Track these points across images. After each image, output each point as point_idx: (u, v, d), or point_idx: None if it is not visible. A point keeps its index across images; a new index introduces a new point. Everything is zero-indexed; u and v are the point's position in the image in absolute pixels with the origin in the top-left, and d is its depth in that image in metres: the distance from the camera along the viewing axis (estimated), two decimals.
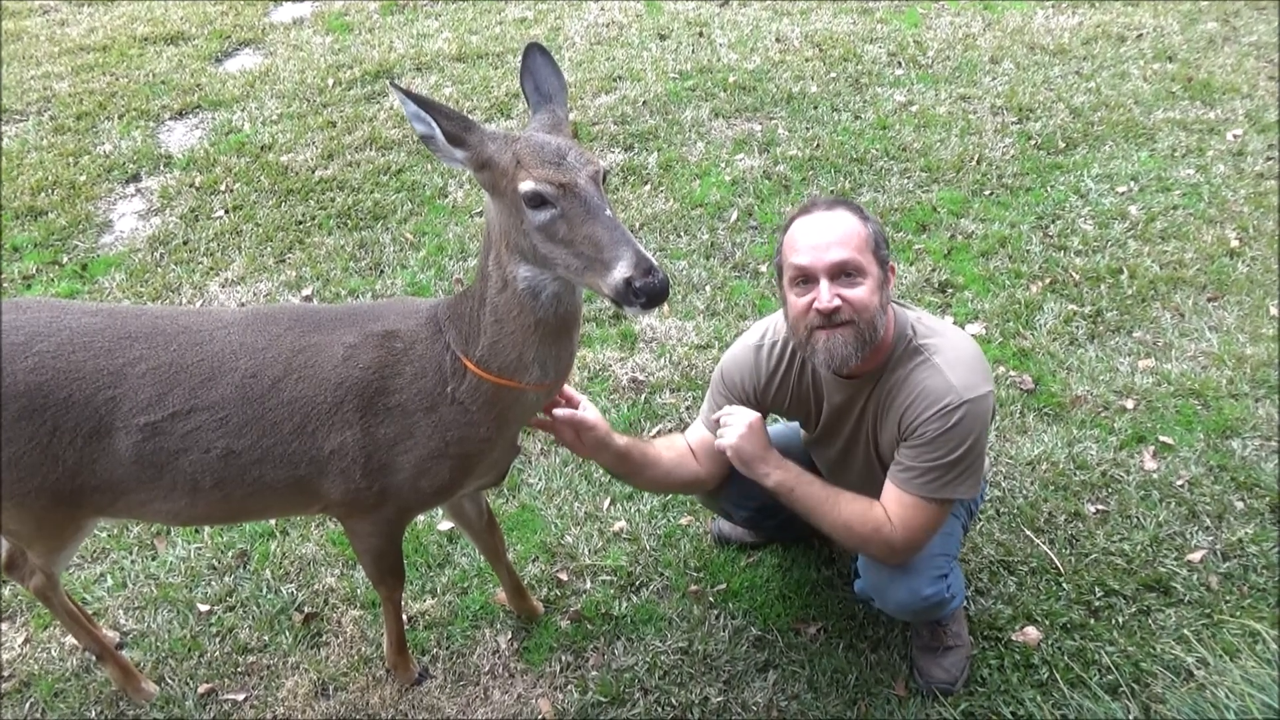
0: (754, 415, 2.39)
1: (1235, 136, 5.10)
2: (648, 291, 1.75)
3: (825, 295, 2.18)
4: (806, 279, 2.21)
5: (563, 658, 2.79)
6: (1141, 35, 6.22)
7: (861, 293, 2.18)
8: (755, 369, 2.49)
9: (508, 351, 2.03)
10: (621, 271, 1.76)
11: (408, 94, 1.84)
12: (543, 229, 1.84)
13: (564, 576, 3.02)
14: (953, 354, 2.26)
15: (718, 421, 2.43)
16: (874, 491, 2.35)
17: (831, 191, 4.77)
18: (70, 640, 2.82)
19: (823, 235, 2.19)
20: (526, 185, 1.82)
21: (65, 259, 4.59)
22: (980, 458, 2.27)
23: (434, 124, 1.86)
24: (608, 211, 1.81)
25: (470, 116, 1.97)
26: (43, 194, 5.02)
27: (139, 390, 2.02)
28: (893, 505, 2.28)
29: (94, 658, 2.74)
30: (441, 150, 1.90)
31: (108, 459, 2.04)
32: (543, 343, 2.01)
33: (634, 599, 2.95)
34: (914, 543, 2.30)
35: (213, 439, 2.05)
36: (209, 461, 2.06)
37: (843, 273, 2.18)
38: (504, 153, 1.87)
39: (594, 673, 2.75)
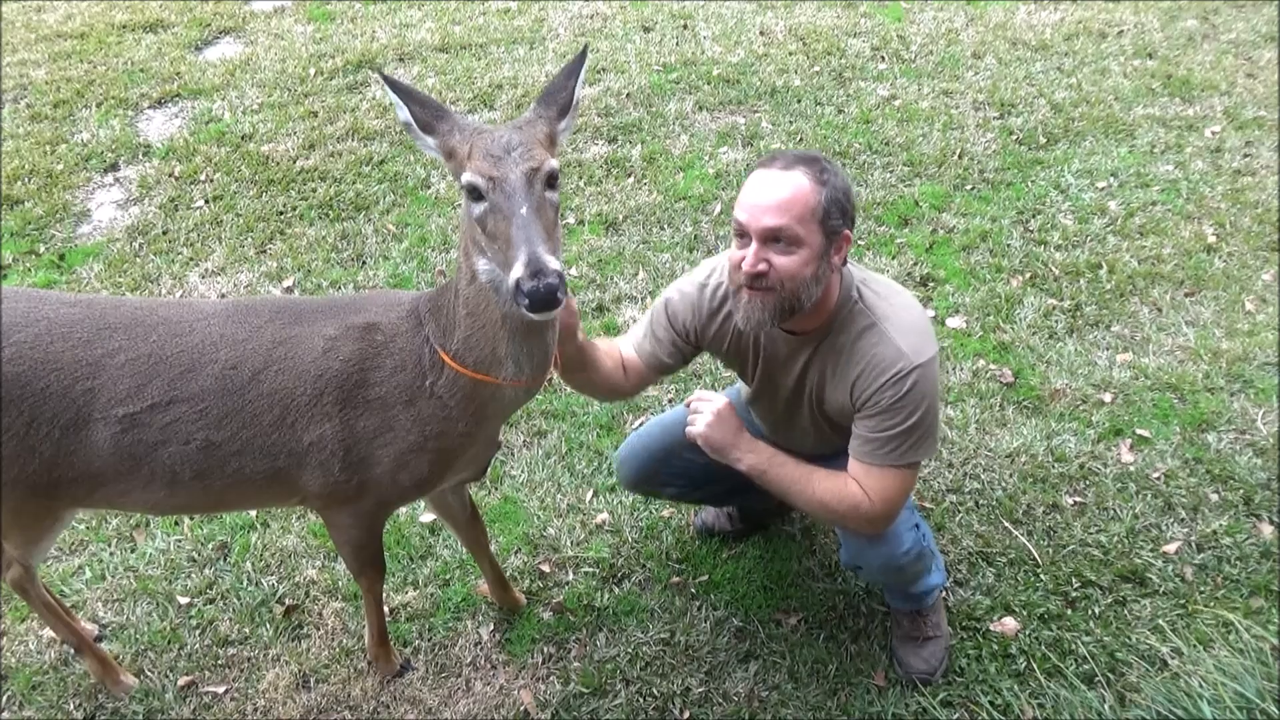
0: (723, 400, 2.39)
1: (1213, 133, 5.15)
2: (530, 295, 1.70)
3: (750, 259, 2.14)
4: (744, 234, 2.18)
5: (545, 649, 2.80)
6: (1122, 32, 6.27)
7: (790, 263, 2.13)
8: (698, 306, 2.46)
9: (481, 345, 2.02)
10: (515, 272, 1.73)
11: (386, 80, 1.88)
12: (478, 221, 1.84)
13: (546, 568, 3.02)
14: (900, 319, 2.25)
15: (690, 405, 2.43)
16: (820, 449, 2.37)
17: None
18: (48, 633, 2.80)
19: (766, 196, 2.13)
20: (465, 176, 1.84)
21: (42, 248, 4.54)
22: (936, 417, 2.28)
23: (406, 109, 1.89)
24: (524, 210, 1.77)
25: (447, 106, 1.98)
26: (19, 183, 4.96)
27: (118, 381, 2.01)
28: (863, 479, 2.29)
29: (72, 650, 2.72)
30: (418, 137, 1.92)
31: (86, 450, 2.02)
32: (513, 338, 1.99)
33: (616, 590, 2.95)
34: (891, 512, 2.32)
35: (192, 431, 2.04)
36: (188, 453, 2.05)
37: (775, 239, 2.13)
38: (464, 144, 1.87)
39: (576, 664, 2.76)
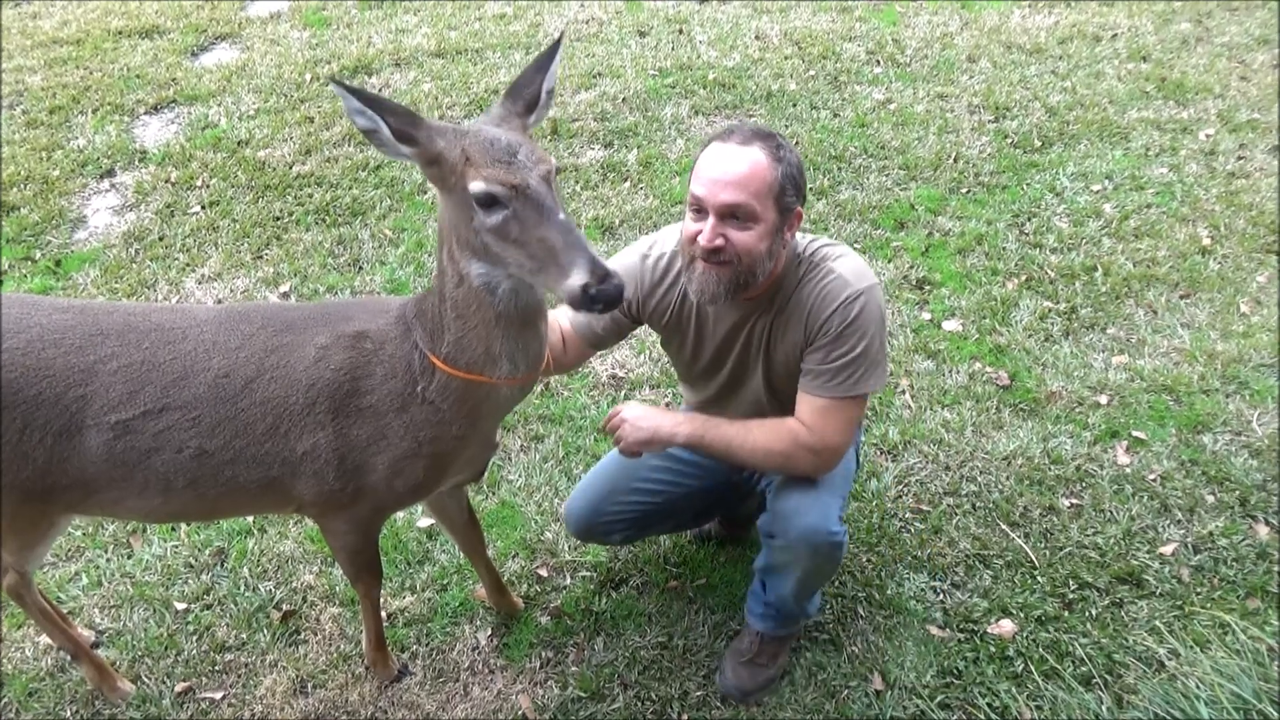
0: (630, 403, 2.44)
1: (1207, 136, 5.16)
2: (604, 298, 1.74)
3: (707, 234, 2.17)
4: (700, 209, 2.19)
5: (543, 653, 2.79)
6: (1116, 35, 6.28)
7: (747, 238, 2.16)
8: (640, 278, 2.47)
9: (474, 346, 2.01)
10: (579, 279, 1.75)
11: (350, 90, 1.79)
12: (495, 230, 1.82)
13: (544, 572, 3.02)
14: (840, 261, 2.30)
15: (606, 427, 2.46)
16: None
17: (810, 189, 4.79)
18: (45, 639, 2.79)
19: (724, 171, 2.15)
20: (477, 185, 1.79)
21: (38, 255, 4.54)
22: (884, 347, 2.31)
23: (379, 121, 1.82)
24: (561, 215, 1.78)
25: (415, 110, 1.92)
26: (15, 189, 4.96)
27: (110, 388, 2.00)
28: (808, 414, 2.29)
29: (69, 657, 2.72)
30: (388, 145, 1.85)
31: (79, 457, 2.02)
32: (507, 336, 1.99)
33: (614, 594, 2.95)
34: (835, 445, 2.30)
35: (185, 438, 2.03)
36: (181, 461, 2.05)
37: (733, 215, 2.15)
38: (453, 148, 1.83)
39: (574, 668, 2.75)
